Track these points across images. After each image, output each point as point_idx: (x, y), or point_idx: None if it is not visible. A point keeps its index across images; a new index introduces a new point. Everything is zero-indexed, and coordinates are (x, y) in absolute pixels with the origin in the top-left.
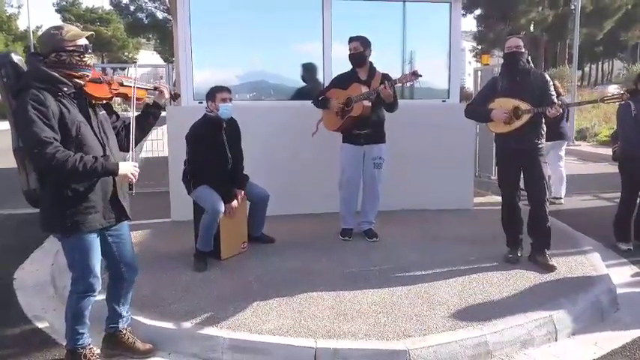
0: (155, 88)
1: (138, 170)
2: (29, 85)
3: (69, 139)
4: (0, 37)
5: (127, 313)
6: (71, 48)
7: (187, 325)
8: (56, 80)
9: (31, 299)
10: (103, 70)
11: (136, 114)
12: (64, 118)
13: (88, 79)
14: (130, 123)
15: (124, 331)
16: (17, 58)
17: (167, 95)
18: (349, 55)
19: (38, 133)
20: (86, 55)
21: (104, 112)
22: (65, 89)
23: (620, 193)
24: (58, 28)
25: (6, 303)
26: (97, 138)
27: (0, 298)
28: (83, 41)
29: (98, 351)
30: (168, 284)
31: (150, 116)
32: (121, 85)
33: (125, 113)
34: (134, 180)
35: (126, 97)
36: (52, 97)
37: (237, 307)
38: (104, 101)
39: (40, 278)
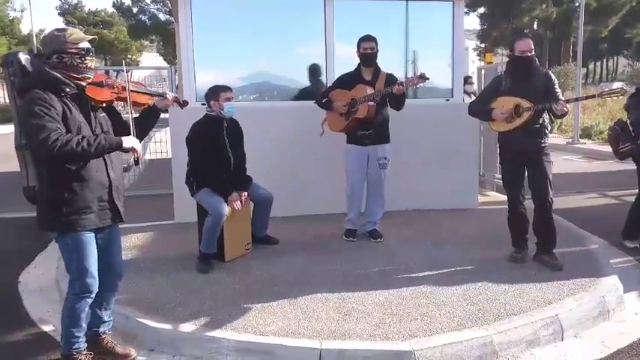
0: (160, 95)
1: (140, 146)
2: (33, 85)
3: None
4: (3, 40)
5: (108, 317)
6: (73, 50)
7: (191, 327)
8: (59, 81)
9: (36, 302)
10: (107, 72)
11: (135, 115)
12: (67, 118)
13: (89, 81)
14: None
15: (104, 336)
16: (25, 57)
17: (169, 102)
18: (364, 55)
19: (43, 123)
20: (87, 58)
21: (104, 114)
22: (67, 90)
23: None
24: (62, 30)
25: (11, 306)
26: None
27: (5, 302)
28: (85, 44)
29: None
30: (172, 286)
31: (146, 119)
32: (124, 89)
33: (128, 115)
34: (139, 154)
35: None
36: (56, 98)
37: (241, 309)
38: (104, 104)
39: (44, 282)
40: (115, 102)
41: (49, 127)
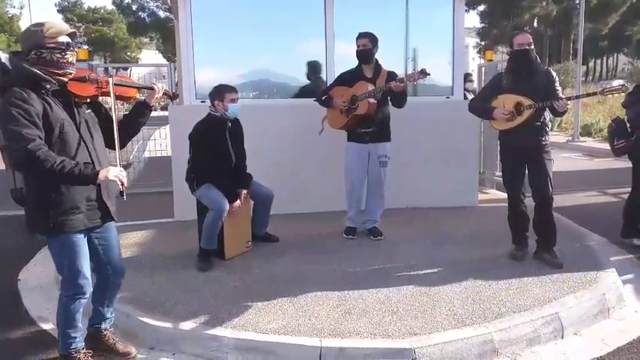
0: (148, 88)
1: (124, 174)
2: (12, 83)
3: (52, 137)
4: (2, 37)
5: (110, 314)
6: (52, 45)
7: (191, 325)
8: (38, 77)
9: (36, 300)
10: (106, 70)
11: (125, 113)
12: (48, 116)
13: (71, 76)
14: (119, 122)
15: (106, 332)
16: (4, 56)
17: (158, 95)
18: (357, 52)
19: (20, 130)
20: (68, 53)
21: (90, 111)
22: (48, 86)
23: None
24: (39, 24)
25: (11, 304)
26: (81, 137)
27: (5, 300)
28: (65, 38)
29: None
30: (172, 284)
31: (137, 116)
32: (109, 83)
33: (120, 113)
34: (121, 184)
35: (115, 97)
36: (35, 96)
37: (241, 307)
38: (88, 100)
39: (44, 279)
40: (101, 97)
41: (27, 136)
